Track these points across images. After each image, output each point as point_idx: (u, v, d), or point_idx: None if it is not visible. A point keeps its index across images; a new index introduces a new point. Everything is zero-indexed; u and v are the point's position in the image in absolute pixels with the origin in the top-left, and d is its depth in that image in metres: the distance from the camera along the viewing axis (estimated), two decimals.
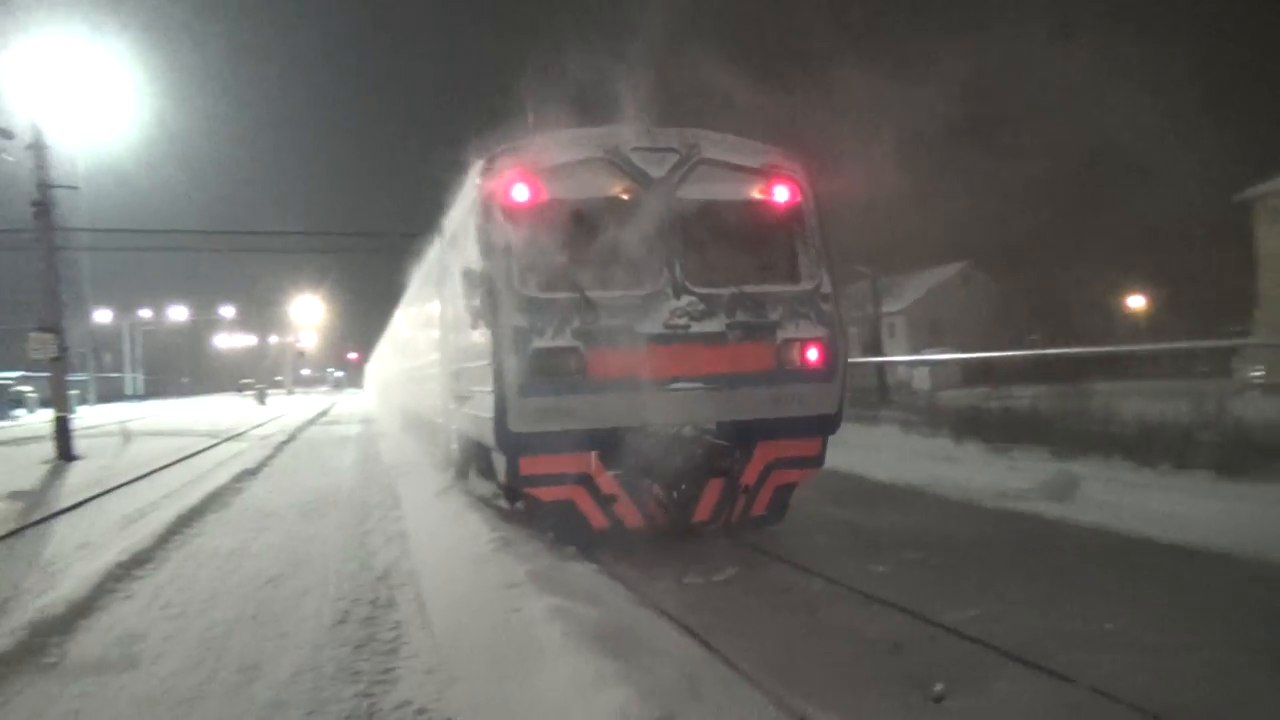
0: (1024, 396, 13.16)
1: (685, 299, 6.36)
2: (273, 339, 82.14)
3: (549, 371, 6.09)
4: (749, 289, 6.58)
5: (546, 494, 6.45)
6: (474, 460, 8.56)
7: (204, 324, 79.12)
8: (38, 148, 15.74)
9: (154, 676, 4.13)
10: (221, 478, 11.49)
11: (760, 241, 6.99)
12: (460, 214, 7.83)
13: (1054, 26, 11.63)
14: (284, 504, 9.57)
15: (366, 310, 58.58)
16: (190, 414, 36.75)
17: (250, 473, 12.41)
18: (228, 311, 72.23)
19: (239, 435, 21.07)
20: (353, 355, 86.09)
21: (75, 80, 16.40)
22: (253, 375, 64.94)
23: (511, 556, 5.67)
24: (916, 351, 35.37)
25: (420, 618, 5.00)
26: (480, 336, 6.57)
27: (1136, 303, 38.57)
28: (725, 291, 6.49)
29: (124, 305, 65.69)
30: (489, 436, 6.45)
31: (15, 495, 10.71)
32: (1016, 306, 41.31)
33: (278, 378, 78.61)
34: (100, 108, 17.91)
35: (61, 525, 8.57)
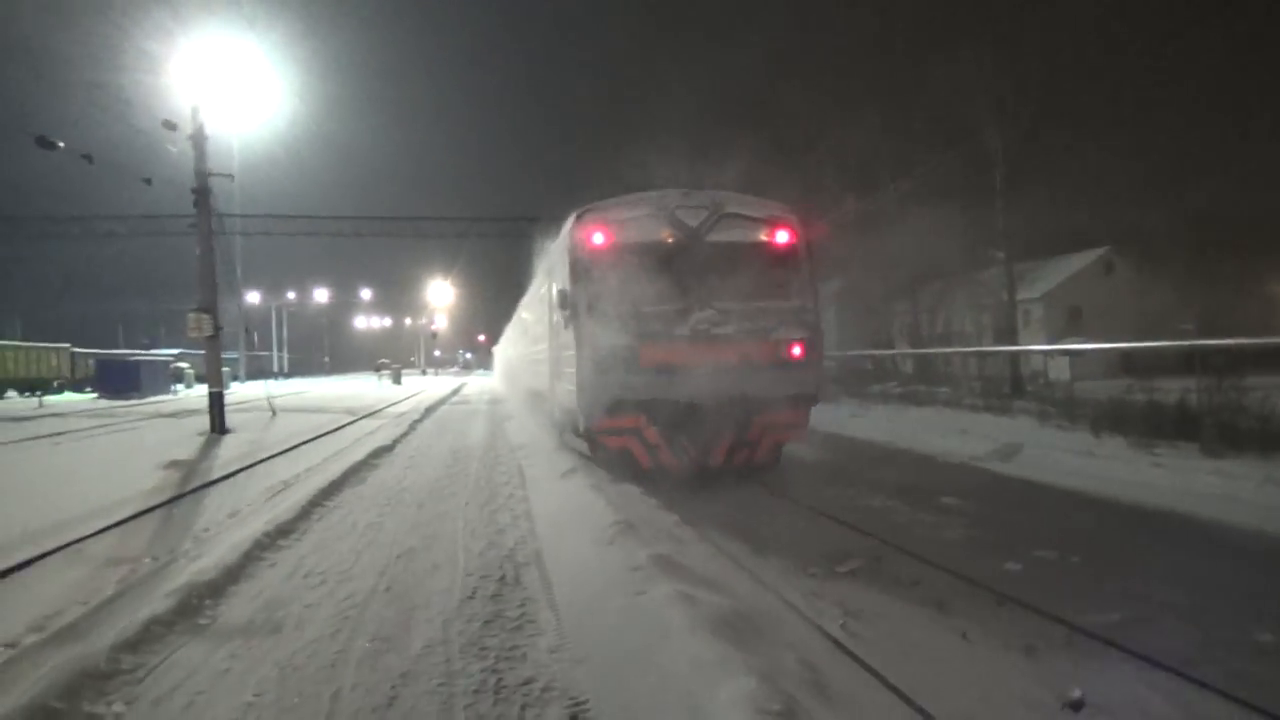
0: (1171, 390, 12.40)
1: (708, 311, 9.19)
2: (407, 321, 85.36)
3: (613, 361, 9.01)
4: (753, 304, 9.33)
5: (611, 442, 9.41)
6: (568, 420, 10.93)
7: (344, 306, 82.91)
8: (197, 138, 16.71)
9: (295, 643, 4.32)
10: (359, 454, 11.97)
11: (764, 271, 9.49)
12: (559, 249, 10.94)
13: None
14: (416, 481, 9.90)
15: (495, 294, 60.29)
16: (330, 392, 38.55)
17: (385, 449, 12.89)
18: (366, 294, 75.37)
19: (375, 413, 21.95)
20: (481, 337, 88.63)
21: (231, 71, 17.30)
22: (388, 355, 67.67)
23: (635, 540, 5.68)
24: (1053, 341, 33.77)
25: (545, 596, 5.06)
26: (570, 335, 9.56)
27: None
28: (736, 306, 9.24)
29: (272, 288, 69.56)
30: (575, 403, 9.50)
31: (174, 464, 11.43)
32: (1164, 295, 38.93)
33: (411, 358, 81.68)
34: (252, 98, 18.86)
35: (213, 494, 9.10)
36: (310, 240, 40.67)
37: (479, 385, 45.21)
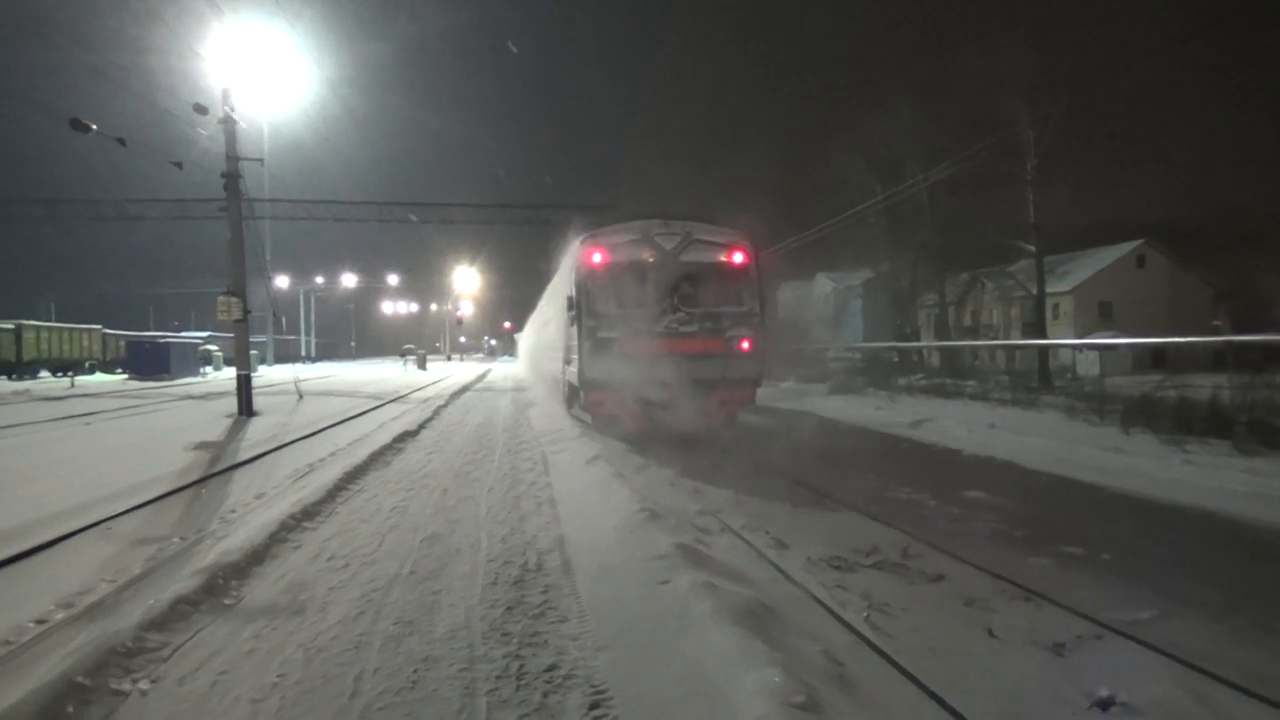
0: (1203, 386, 12.21)
1: (677, 314, 11.98)
2: (433, 307, 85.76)
3: (605, 349, 11.93)
4: (711, 309, 12.15)
5: (603, 411, 12.68)
6: (573, 394, 14.74)
7: (371, 291, 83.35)
8: (228, 122, 16.84)
9: (319, 625, 4.33)
10: (383, 438, 12.04)
11: (721, 283, 12.34)
12: (567, 264, 14.18)
13: None
14: (440, 466, 9.93)
15: (521, 281, 60.47)
16: (356, 376, 38.81)
17: (410, 434, 12.95)
18: (393, 280, 75.72)
19: (401, 398, 22.07)
20: (507, 324, 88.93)
21: (262, 56, 17.39)
22: (414, 341, 68.05)
23: (659, 529, 5.66)
24: (1082, 335, 33.36)
25: (568, 583, 5.05)
26: (575, 330, 12.47)
27: None
28: (699, 310, 12.07)
29: (300, 272, 70.09)
30: (577, 381, 12.81)
31: (202, 446, 11.56)
32: (1198, 290, 38.35)
33: (437, 344, 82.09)
34: (283, 83, 18.97)
35: (240, 476, 9.18)
36: (338, 225, 40.90)
37: (503, 371, 45.35)
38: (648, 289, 12.06)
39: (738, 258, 12.45)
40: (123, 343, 45.49)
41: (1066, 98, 24.26)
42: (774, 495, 7.99)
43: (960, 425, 13.42)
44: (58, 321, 46.52)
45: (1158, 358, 22.79)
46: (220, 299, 17.05)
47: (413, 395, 23.27)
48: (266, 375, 35.95)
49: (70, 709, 3.23)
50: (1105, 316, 38.08)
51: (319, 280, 74.41)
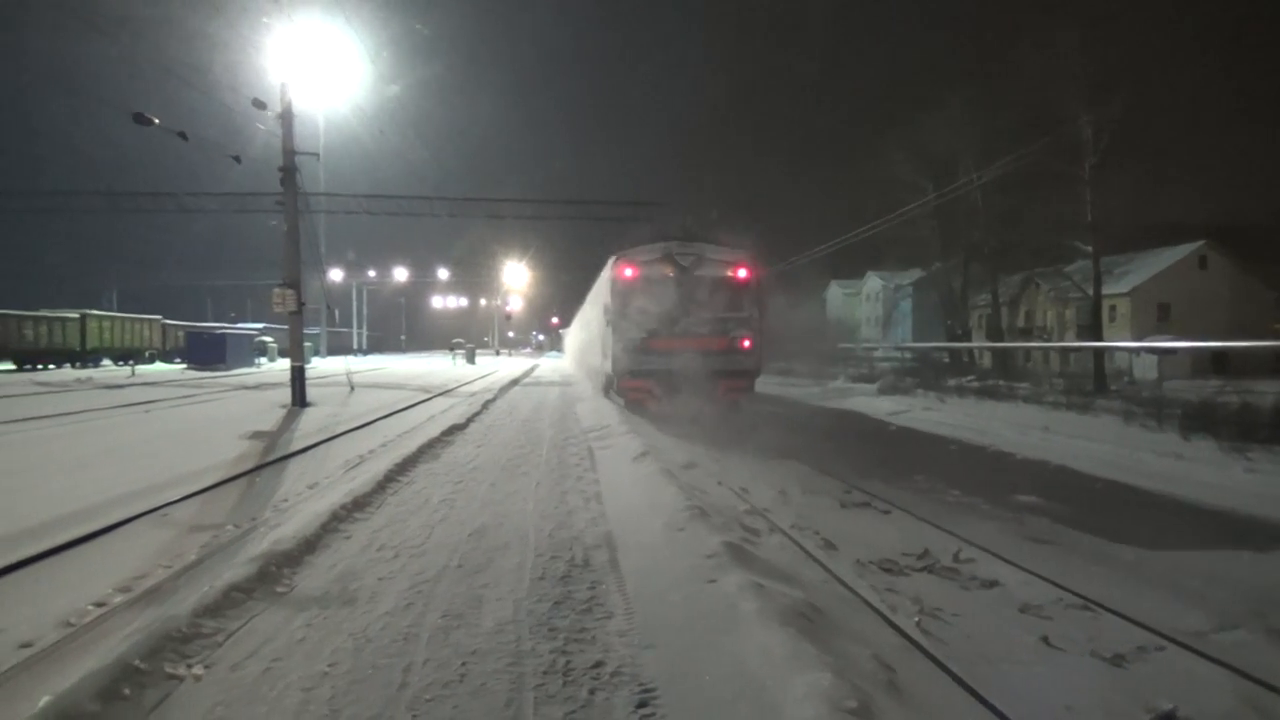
0: (1267, 392, 11.84)
1: (691, 318, 14.89)
2: (482, 302, 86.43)
3: (633, 346, 14.90)
4: (718, 314, 15.03)
5: (632, 395, 15.67)
6: (609, 383, 17.59)
7: (421, 286, 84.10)
8: (285, 116, 17.10)
9: (369, 615, 4.37)
10: (433, 431, 12.14)
11: (726, 294, 15.19)
12: (604, 276, 17.38)
13: None
14: (489, 459, 9.99)
15: (569, 277, 60.72)
16: (406, 369, 39.24)
17: (459, 428, 13.05)
18: (444, 274, 76.32)
19: (450, 391, 22.27)
20: (554, 320, 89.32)
21: (319, 52, 17.64)
22: (463, 335, 68.64)
23: (707, 527, 5.62)
24: (1140, 338, 32.56)
25: (615, 579, 5.04)
26: (609, 330, 15.63)
27: None
28: (708, 315, 14.95)
29: (353, 266, 71.02)
30: (611, 371, 15.82)
31: (257, 435, 11.76)
32: (1261, 293, 37.22)
33: (486, 338, 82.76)
34: (340, 78, 19.24)
35: (293, 466, 9.32)
36: (391, 220, 41.33)
37: (551, 366, 45.62)
38: (668, 298, 15.01)
39: (741, 273, 15.43)
40: (181, 333, 46.56)
41: (1126, 94, 23.70)
42: (821, 495, 7.92)
43: (1012, 428, 13.18)
44: (119, 311, 47.76)
45: (1219, 362, 22.24)
46: (276, 291, 17.32)
47: (461, 389, 23.47)
48: (319, 367, 36.53)
49: (127, 691, 3.29)
50: (1164, 319, 37.18)
51: (371, 274, 75.33)
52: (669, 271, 15.12)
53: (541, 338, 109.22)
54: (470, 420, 14.35)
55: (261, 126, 17.53)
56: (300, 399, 16.90)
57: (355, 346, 71.26)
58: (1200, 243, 38.90)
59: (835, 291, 61.79)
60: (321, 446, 10.82)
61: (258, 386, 23.66)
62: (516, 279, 71.86)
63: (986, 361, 31.43)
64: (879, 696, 3.23)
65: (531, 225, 45.14)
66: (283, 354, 41.16)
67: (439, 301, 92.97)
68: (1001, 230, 30.92)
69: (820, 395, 21.76)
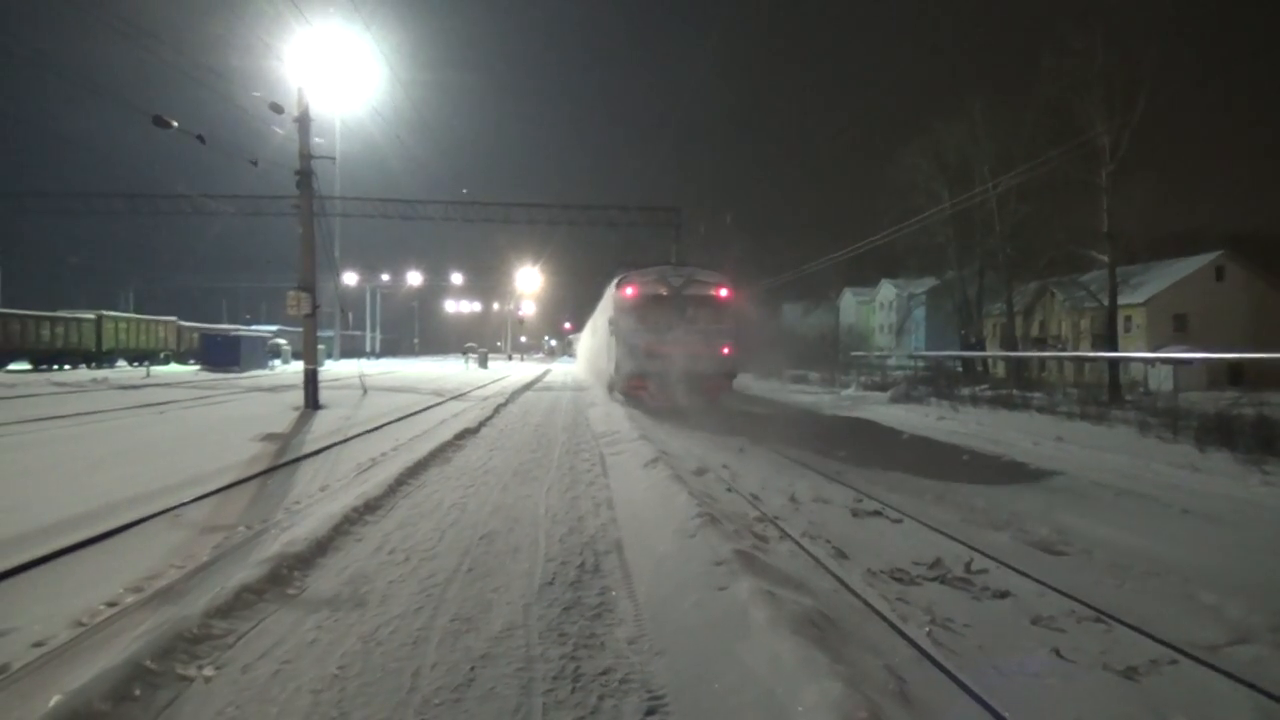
0: None
1: (681, 330, 17.77)
2: (495, 306, 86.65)
3: (632, 352, 17.95)
4: (702, 327, 17.92)
5: (631, 393, 18.59)
6: (612, 383, 20.12)
7: (435, 290, 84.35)
8: (302, 121, 17.20)
9: (380, 618, 4.37)
10: (445, 435, 12.16)
11: (710, 311, 18.11)
12: (608, 294, 21.37)
13: None
14: (500, 464, 10.00)
15: (582, 283, 60.84)
16: (419, 373, 39.36)
17: (471, 432, 13.07)
18: (457, 279, 76.49)
19: (462, 395, 22.32)
20: (567, 325, 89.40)
21: (337, 58, 17.75)
22: (475, 340, 68.80)
23: (718, 534, 5.60)
24: (1156, 349, 32.33)
25: (625, 586, 5.03)
26: (613, 339, 19.02)
27: None
28: (694, 327, 17.81)
29: (367, 269, 71.33)
30: (614, 372, 19.25)
31: (270, 437, 11.81)
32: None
33: (498, 343, 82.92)
34: (356, 84, 19.35)
35: (305, 468, 9.35)
36: (405, 224, 41.57)
37: (563, 371, 45.63)
38: (661, 313, 18.12)
39: (722, 293, 18.56)
40: (196, 334, 46.84)
41: (1146, 101, 23.59)
42: (832, 503, 7.88)
43: (1026, 438, 13.11)
44: (136, 313, 48.09)
45: (1235, 374, 22.04)
46: (290, 294, 17.42)
47: (474, 393, 23.52)
48: (332, 370, 36.67)
49: (138, 691, 3.30)
50: (1180, 330, 36.90)
51: (385, 277, 75.62)
52: (663, 291, 18.26)
53: (554, 343, 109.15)
54: (482, 424, 14.37)
55: (279, 131, 17.66)
56: (313, 401, 16.98)
57: (368, 349, 71.55)
58: (1218, 253, 38.62)
59: (849, 299, 61.63)
60: (334, 449, 10.86)
61: (271, 389, 23.77)
62: (529, 284, 71.99)
63: (1000, 371, 31.29)
64: (888, 705, 3.21)
65: (546, 230, 45.20)
66: (296, 356, 41.32)
67: (452, 306, 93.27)
68: (1018, 238, 30.81)
69: (833, 403, 21.71)
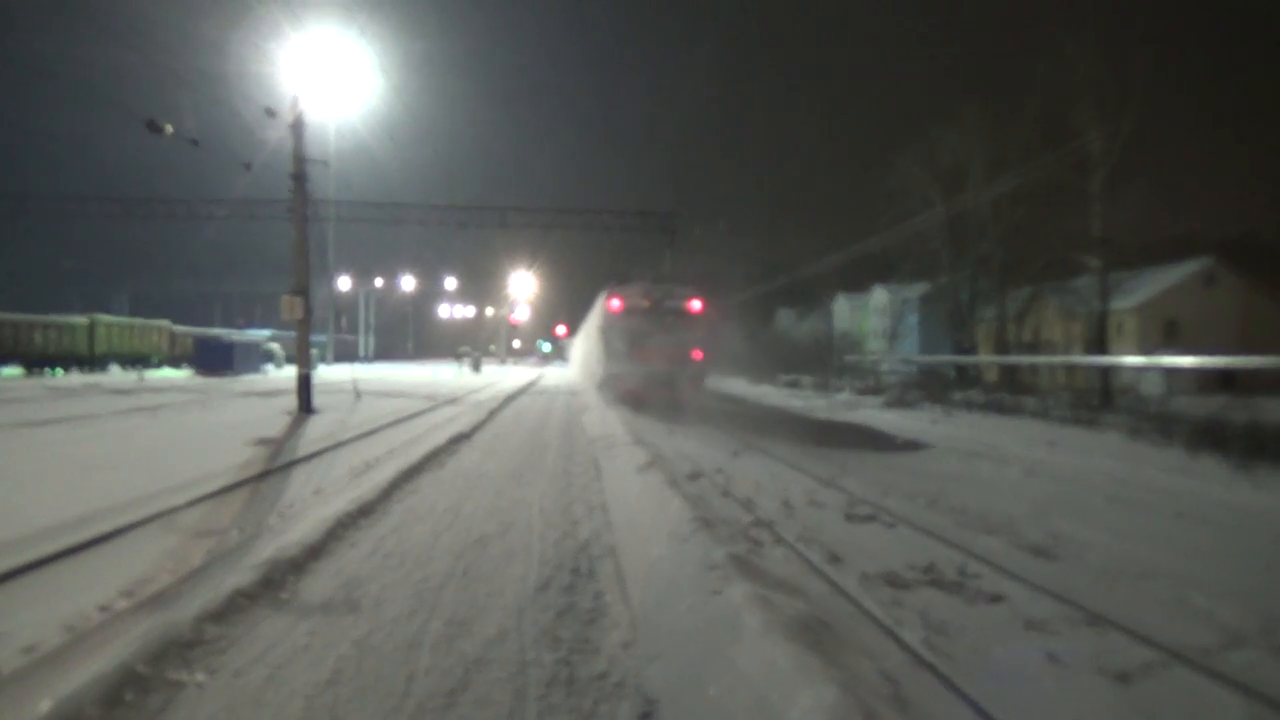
0: (1276, 410, 11.78)
1: (659, 336, 20.57)
2: (489, 310, 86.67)
3: (618, 355, 21.12)
4: (678, 334, 20.76)
5: (617, 391, 21.13)
6: (601, 382, 22.57)
7: (429, 294, 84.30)
8: (296, 125, 17.19)
9: (373, 622, 4.37)
10: (438, 439, 12.15)
11: (685, 320, 21.08)
12: (598, 305, 24.34)
13: None
14: (494, 468, 9.99)
15: (577, 286, 60.90)
16: (412, 377, 39.30)
17: (464, 436, 13.06)
18: (450, 283, 76.45)
19: (455, 400, 22.31)
20: (562, 329, 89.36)
21: (331, 63, 17.73)
22: (469, 344, 68.76)
23: (711, 538, 5.59)
24: (1147, 354, 32.43)
25: (619, 590, 5.03)
26: (603, 345, 22.04)
27: None
28: (672, 334, 20.66)
29: (361, 274, 71.25)
30: (603, 373, 22.31)
31: (263, 441, 11.78)
32: (1271, 309, 37.08)
33: (491, 347, 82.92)
34: (350, 89, 19.33)
35: (299, 472, 9.33)
36: (399, 228, 41.59)
37: (557, 376, 45.62)
38: (643, 322, 20.88)
39: (694, 305, 21.32)
40: (189, 339, 46.74)
41: (1138, 107, 23.70)
42: (825, 507, 7.88)
43: (1019, 443, 13.13)
44: (129, 317, 47.98)
45: (1226, 379, 22.11)
46: (285, 298, 17.38)
47: (467, 398, 23.51)
48: (325, 374, 36.59)
49: (129, 697, 3.29)
50: (1171, 335, 37.02)
51: (379, 282, 75.56)
52: (644, 304, 21.17)
53: (547, 347, 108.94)
54: (476, 429, 14.37)
55: (274, 134, 17.64)
56: (307, 406, 16.94)
57: (361, 354, 71.44)
58: (1208, 259, 38.79)
59: (843, 304, 61.72)
60: (327, 453, 10.84)
61: (265, 393, 23.72)
62: (524, 288, 72.04)
63: (993, 375, 31.35)
64: (886, 712, 3.21)
65: (540, 235, 45.24)
66: (290, 361, 41.27)
67: (445, 310, 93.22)
68: (1010, 244, 30.90)
69: (827, 408, 21.73)
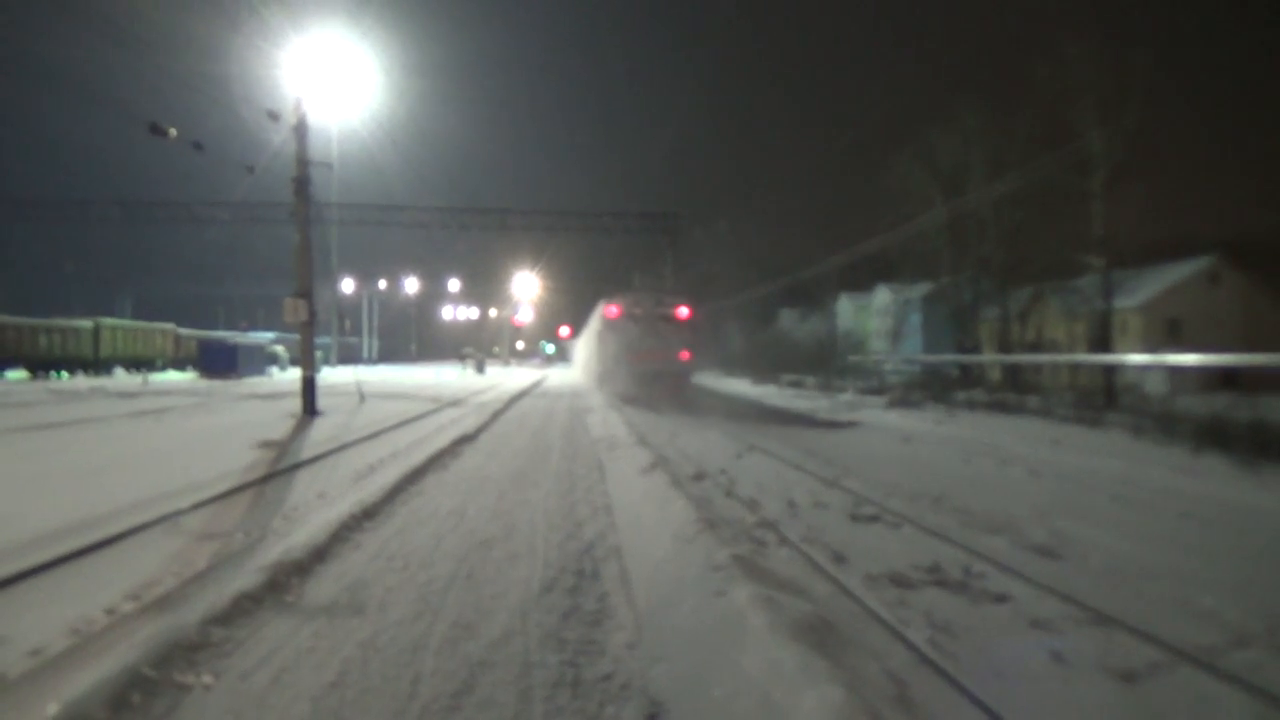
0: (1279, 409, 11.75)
1: (652, 340, 23.55)
2: (492, 312, 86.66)
3: (615, 357, 24.22)
4: (669, 338, 23.76)
5: (615, 389, 24.38)
6: (599, 381, 27.13)
7: (432, 296, 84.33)
8: (300, 129, 17.21)
9: (378, 624, 4.37)
10: (442, 441, 12.16)
11: (675, 325, 23.92)
12: (597, 312, 28.33)
13: None
14: (498, 470, 10.00)
15: (581, 287, 60.89)
16: (416, 379, 39.35)
17: (468, 438, 13.07)
18: (454, 285, 76.44)
19: (459, 402, 22.32)
20: (565, 331, 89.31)
21: (334, 67, 17.75)
22: (473, 346, 68.77)
23: (715, 539, 5.60)
24: (1150, 353, 32.34)
25: (624, 592, 5.03)
26: (601, 348, 26.34)
27: None
28: (663, 338, 23.65)
29: (364, 276, 71.32)
30: (601, 373, 26.87)
31: (267, 444, 11.79)
32: (1276, 308, 37.00)
33: (495, 348, 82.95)
34: (353, 92, 19.35)
35: (303, 475, 9.33)
36: (402, 230, 41.65)
37: (560, 377, 45.63)
38: (637, 327, 23.49)
39: (683, 311, 23.88)
40: (193, 341, 46.83)
41: (1139, 107, 23.66)
42: (829, 508, 7.88)
43: (1022, 443, 13.11)
44: (133, 320, 48.07)
45: (1229, 378, 22.07)
46: (288, 301, 17.39)
47: (471, 400, 23.52)
48: (329, 376, 36.62)
49: (136, 699, 3.30)
50: (1174, 334, 36.95)
51: (382, 284, 75.62)
52: (638, 311, 23.75)
53: (551, 348, 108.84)
54: (479, 431, 14.38)
55: (276, 137, 17.66)
56: (311, 408, 16.95)
57: (365, 356, 71.52)
58: (1211, 258, 38.71)
59: (845, 304, 61.66)
60: (332, 456, 10.85)
61: (269, 395, 23.75)
62: (527, 290, 72.01)
63: (996, 375, 31.32)
64: (888, 710, 3.21)
65: (543, 236, 45.24)
66: (294, 363, 41.33)
67: (449, 312, 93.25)
68: (1013, 244, 30.85)
69: (829, 409, 21.70)
